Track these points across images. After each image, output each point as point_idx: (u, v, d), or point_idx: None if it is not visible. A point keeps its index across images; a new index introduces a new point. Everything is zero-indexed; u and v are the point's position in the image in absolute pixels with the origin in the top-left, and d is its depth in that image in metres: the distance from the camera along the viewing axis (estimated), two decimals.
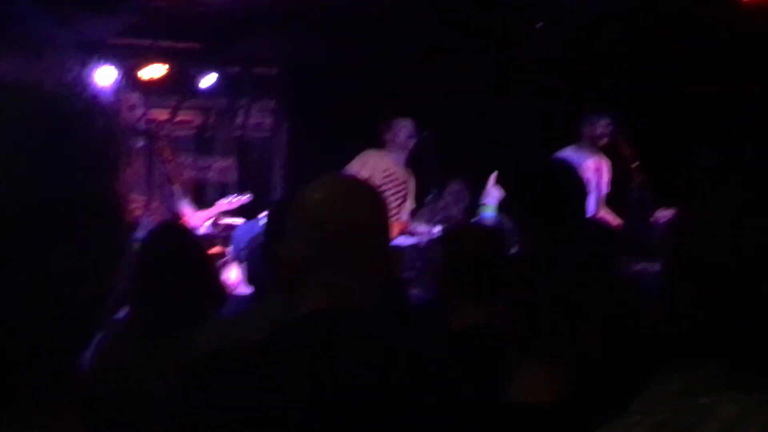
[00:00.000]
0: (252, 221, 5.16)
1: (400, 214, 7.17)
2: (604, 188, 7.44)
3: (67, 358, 0.81)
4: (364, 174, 6.94)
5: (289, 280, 1.76)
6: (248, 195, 7.43)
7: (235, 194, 7.56)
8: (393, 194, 7.09)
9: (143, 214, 6.11)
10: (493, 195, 4.50)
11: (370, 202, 1.84)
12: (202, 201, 7.67)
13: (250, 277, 3.79)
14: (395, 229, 7.04)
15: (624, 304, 2.33)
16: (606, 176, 7.44)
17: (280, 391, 1.64)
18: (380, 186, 6.98)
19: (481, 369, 1.89)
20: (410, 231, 7.03)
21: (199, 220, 6.50)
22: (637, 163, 7.23)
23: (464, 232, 3.30)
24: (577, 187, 3.06)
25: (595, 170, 7.34)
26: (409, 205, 7.34)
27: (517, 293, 2.01)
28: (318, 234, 1.73)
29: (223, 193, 7.82)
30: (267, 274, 2.74)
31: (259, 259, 2.94)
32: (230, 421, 1.60)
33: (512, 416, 1.78)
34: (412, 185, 7.30)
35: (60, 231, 0.77)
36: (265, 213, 6.66)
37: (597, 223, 5.22)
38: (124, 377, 2.85)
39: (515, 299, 2.00)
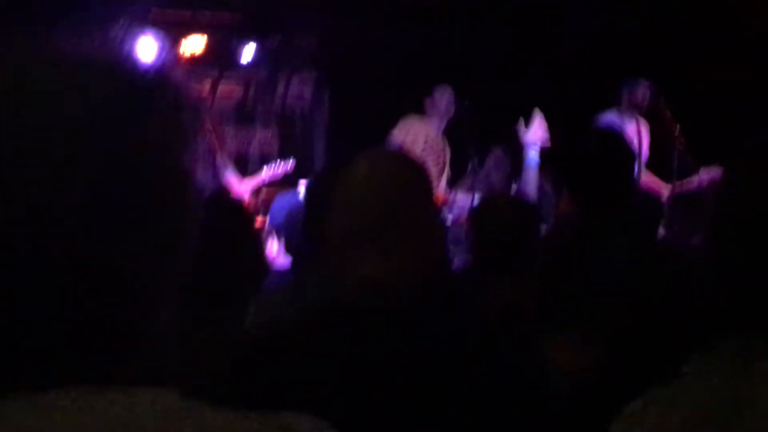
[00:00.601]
0: (289, 192, 5.17)
1: (439, 182, 7.15)
2: (645, 152, 7.38)
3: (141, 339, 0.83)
4: (407, 141, 6.93)
5: (334, 255, 1.76)
6: (291, 161, 7.44)
7: (279, 161, 7.57)
8: (433, 163, 7.06)
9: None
10: (537, 136, 4.43)
11: (418, 177, 1.83)
12: (244, 173, 7.72)
13: (288, 248, 3.80)
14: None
15: (665, 275, 2.31)
16: (646, 140, 7.38)
17: (329, 369, 1.65)
18: (423, 151, 6.98)
19: (515, 346, 1.89)
20: (447, 202, 7.00)
21: (244, 188, 6.53)
22: (678, 127, 7.16)
23: (498, 206, 3.27)
24: (627, 156, 3.03)
25: (636, 134, 7.29)
26: (446, 174, 7.32)
27: (549, 268, 2.00)
28: (368, 209, 1.73)
29: (266, 164, 7.86)
30: (306, 246, 2.73)
31: (298, 231, 2.93)
32: (284, 399, 1.61)
33: (547, 388, 1.77)
34: (448, 155, 7.27)
35: (136, 210, 0.78)
36: (302, 184, 6.70)
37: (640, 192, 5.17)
38: (179, 352, 2.87)
39: (547, 274, 2.00)
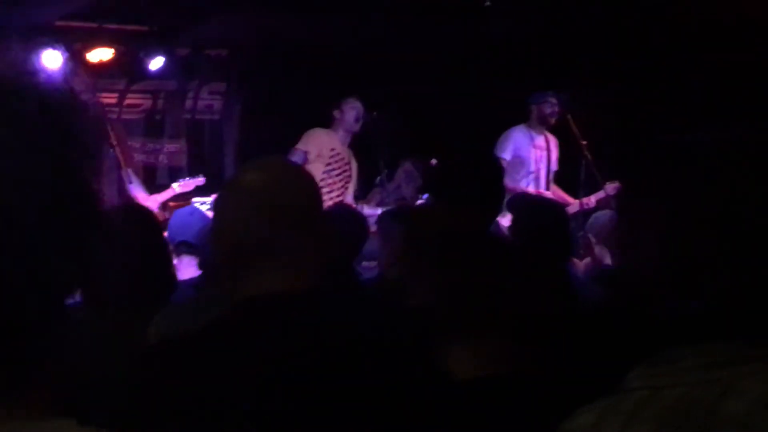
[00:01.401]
0: (188, 207, 5.12)
1: (345, 195, 7.16)
2: (554, 165, 7.52)
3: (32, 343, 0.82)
4: (312, 152, 6.93)
5: (230, 265, 1.75)
6: (201, 177, 7.40)
7: (188, 177, 7.53)
8: (339, 173, 7.08)
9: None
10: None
11: (308, 184, 1.84)
12: (154, 185, 7.63)
13: (200, 264, 3.77)
14: None
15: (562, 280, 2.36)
16: (555, 154, 7.51)
17: (229, 378, 1.63)
18: (327, 164, 6.99)
19: (426, 348, 1.90)
20: None
21: (151, 203, 6.45)
22: (585, 142, 7.32)
23: (424, 211, 3.36)
24: (497, 173, 3.34)
25: (544, 149, 7.42)
26: (353, 186, 7.33)
27: (444, 272, 2.02)
28: (260, 217, 1.71)
29: (174, 177, 7.79)
30: (211, 260, 2.71)
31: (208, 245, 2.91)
32: (182, 410, 1.60)
33: (448, 392, 1.77)
34: (355, 167, 7.29)
35: (37, 224, 0.77)
36: (201, 198, 6.63)
37: (539, 201, 5.32)
38: (81, 363, 2.83)
39: (444, 278, 2.01)
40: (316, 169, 6.77)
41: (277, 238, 1.71)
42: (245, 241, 1.72)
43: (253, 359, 1.64)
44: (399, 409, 1.64)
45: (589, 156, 7.28)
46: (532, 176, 7.29)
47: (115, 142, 6.25)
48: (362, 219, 4.53)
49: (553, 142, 7.50)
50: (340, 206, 5.43)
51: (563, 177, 7.53)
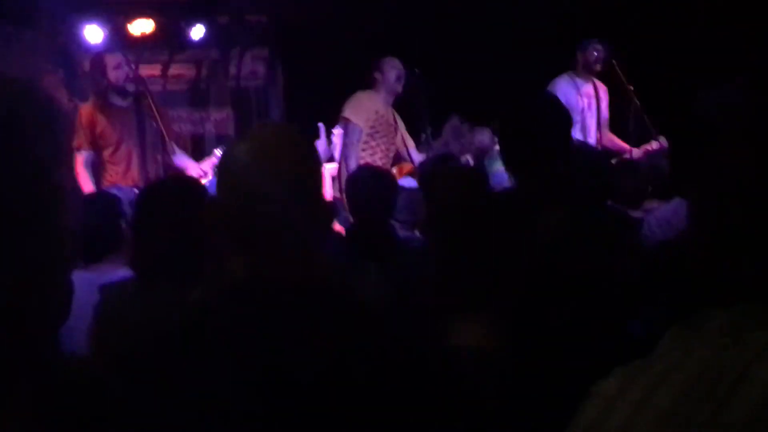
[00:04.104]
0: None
1: (389, 157, 7.10)
2: (604, 113, 7.42)
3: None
4: (358, 117, 6.91)
5: (217, 243, 1.65)
6: None
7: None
8: (383, 136, 7.04)
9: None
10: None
11: (299, 150, 1.69)
12: (202, 154, 7.65)
13: None
14: (403, 170, 7.00)
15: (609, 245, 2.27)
16: (605, 101, 7.41)
17: (216, 369, 1.54)
18: (371, 127, 6.95)
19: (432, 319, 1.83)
20: (414, 171, 6.96)
21: (199, 171, 6.47)
22: (631, 87, 7.19)
23: (445, 175, 3.21)
24: (561, 118, 2.96)
25: (592, 95, 7.32)
26: (411, 143, 7.28)
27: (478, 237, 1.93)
28: (242, 189, 1.60)
29: (221, 146, 7.79)
30: None
31: None
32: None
33: (450, 362, 1.69)
34: (402, 126, 7.24)
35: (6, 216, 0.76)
36: None
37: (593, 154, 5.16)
38: (128, 337, 2.83)
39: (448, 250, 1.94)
40: (360, 134, 6.77)
41: (255, 213, 1.60)
42: (223, 218, 1.63)
43: (236, 348, 1.56)
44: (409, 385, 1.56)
45: (637, 102, 7.14)
46: (578, 125, 7.18)
47: (157, 116, 6.27)
48: (390, 178, 4.49)
49: (602, 89, 7.40)
50: (366, 167, 5.39)
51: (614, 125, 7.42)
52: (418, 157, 7.10)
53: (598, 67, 7.27)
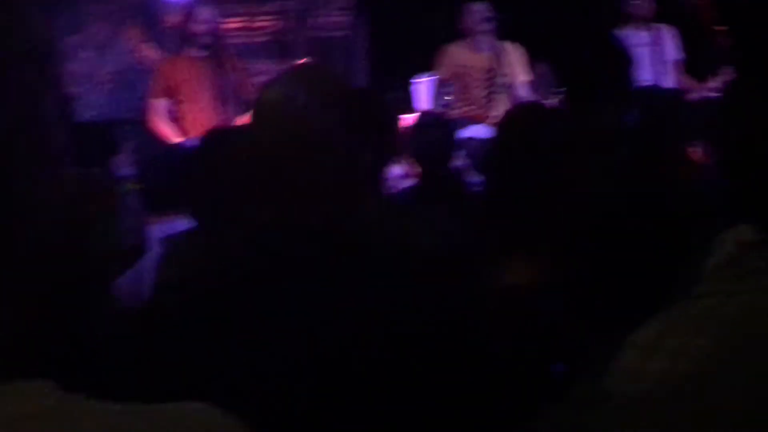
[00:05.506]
0: None
1: (489, 105, 6.95)
2: (673, 54, 7.21)
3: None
4: (444, 71, 6.84)
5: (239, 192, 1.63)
6: None
7: None
8: (476, 86, 6.92)
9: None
10: None
11: (329, 93, 1.61)
12: None
13: None
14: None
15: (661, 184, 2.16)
16: (671, 42, 7.20)
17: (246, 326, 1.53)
18: (459, 78, 6.84)
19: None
20: None
21: None
22: (716, 27, 6.91)
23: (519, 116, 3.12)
24: (618, 55, 2.95)
25: (645, 44, 7.08)
26: (525, 77, 7.06)
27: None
28: (267, 135, 1.55)
29: None
30: None
31: None
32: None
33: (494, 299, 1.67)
34: (508, 61, 7.01)
35: None
36: None
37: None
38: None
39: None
40: (443, 86, 6.71)
41: (280, 158, 1.55)
42: (256, 168, 1.58)
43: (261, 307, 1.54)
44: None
45: (720, 43, 6.86)
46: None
47: (235, 69, 6.33)
48: (449, 125, 4.55)
49: (666, 32, 7.21)
50: (426, 115, 5.42)
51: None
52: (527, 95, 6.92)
53: (650, 14, 7.13)
